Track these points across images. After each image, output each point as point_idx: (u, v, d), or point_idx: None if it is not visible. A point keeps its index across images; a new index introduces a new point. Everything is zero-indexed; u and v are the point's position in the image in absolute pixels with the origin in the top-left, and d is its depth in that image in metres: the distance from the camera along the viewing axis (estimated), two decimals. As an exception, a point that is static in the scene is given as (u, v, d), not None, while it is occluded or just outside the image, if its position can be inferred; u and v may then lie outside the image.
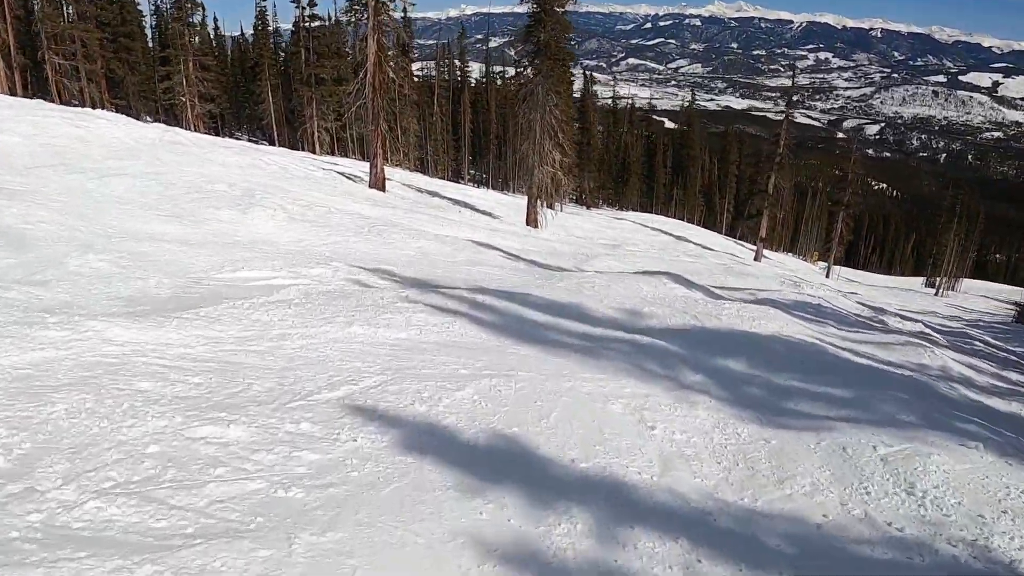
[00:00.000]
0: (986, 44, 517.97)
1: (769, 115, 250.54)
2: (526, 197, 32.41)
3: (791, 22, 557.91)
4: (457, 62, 62.86)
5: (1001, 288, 74.77)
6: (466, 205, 31.63)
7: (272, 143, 49.87)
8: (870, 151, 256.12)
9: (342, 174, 30.28)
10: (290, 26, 53.86)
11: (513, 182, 61.71)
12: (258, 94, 54.12)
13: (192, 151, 23.40)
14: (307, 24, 51.06)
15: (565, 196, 35.40)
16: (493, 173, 62.33)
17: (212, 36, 62.51)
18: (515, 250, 18.64)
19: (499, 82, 65.34)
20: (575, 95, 54.75)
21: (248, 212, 15.29)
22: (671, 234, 46.49)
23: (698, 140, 79.76)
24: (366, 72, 26.57)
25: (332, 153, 50.79)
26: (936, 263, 68.05)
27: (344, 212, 18.14)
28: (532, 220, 29.64)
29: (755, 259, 43.49)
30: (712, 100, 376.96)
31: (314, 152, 46.96)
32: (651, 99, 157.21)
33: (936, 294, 58.83)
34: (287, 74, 55.02)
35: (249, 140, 50.71)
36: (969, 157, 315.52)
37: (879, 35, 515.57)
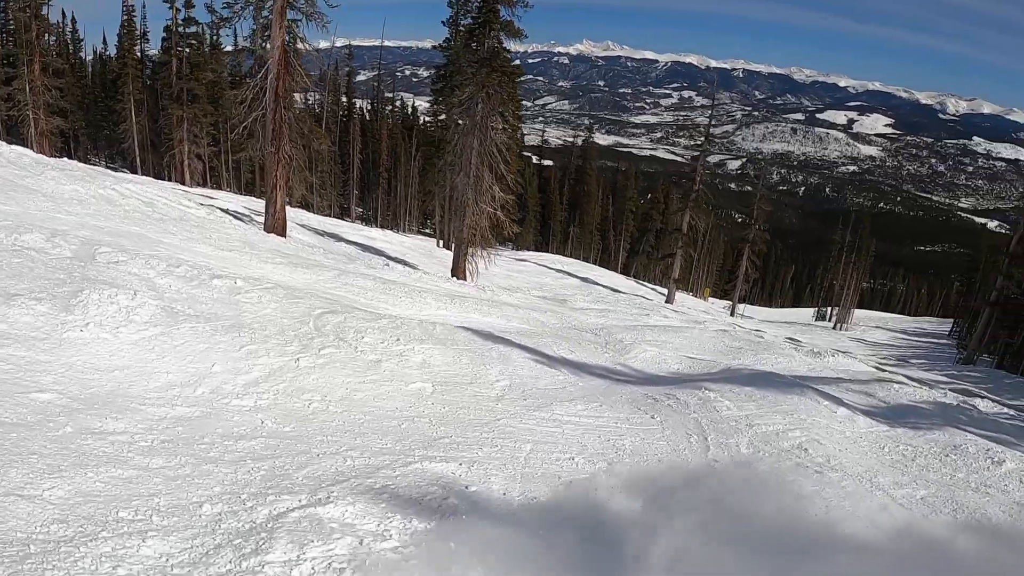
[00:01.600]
0: (842, 84, 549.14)
1: (634, 151, 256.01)
2: (454, 241, 25.95)
3: (656, 61, 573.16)
4: (344, 97, 55.81)
5: (883, 316, 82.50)
6: (378, 252, 25.83)
7: (134, 171, 41.39)
8: (732, 185, 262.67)
9: (227, 212, 23.66)
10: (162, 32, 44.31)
11: (404, 219, 55.72)
12: (120, 112, 44.96)
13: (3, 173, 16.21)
14: (180, 28, 42.44)
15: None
16: (382, 209, 55.71)
17: (70, 39, 52.81)
18: (509, 332, 12.50)
19: (390, 112, 59.68)
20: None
21: (76, 306, 7.98)
22: (576, 276, 42.33)
23: (595, 176, 75.54)
24: (266, 72, 19.57)
25: (204, 184, 43.20)
26: (828, 296, 71.15)
27: (257, 284, 10.70)
28: (460, 271, 23.66)
29: (667, 301, 41.90)
30: (577, 136, 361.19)
31: (183, 183, 39.73)
32: (522, 134, 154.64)
33: (835, 328, 59.18)
34: (155, 89, 46.21)
35: (108, 167, 42.32)
36: (827, 190, 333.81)
37: (741, 75, 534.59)
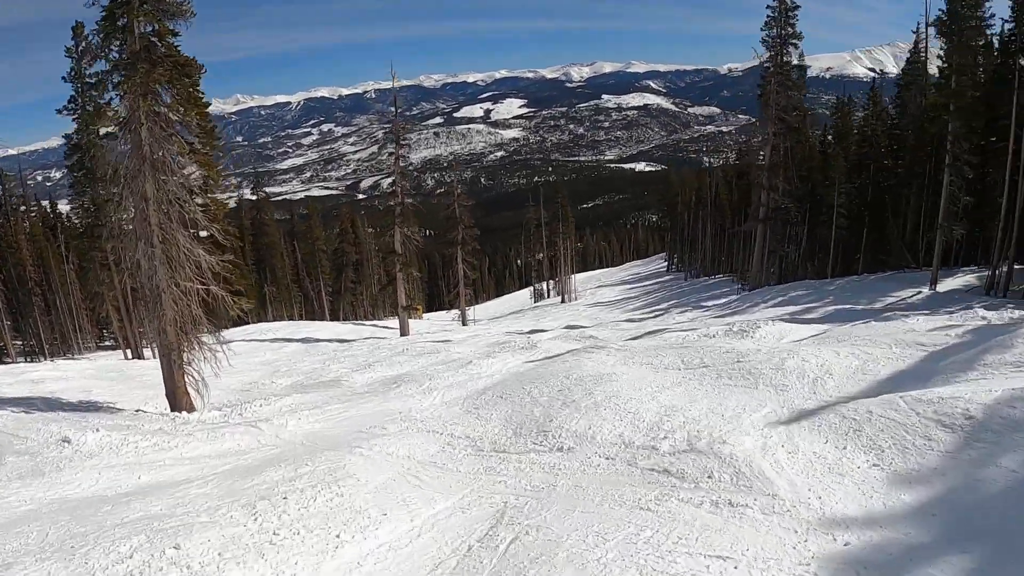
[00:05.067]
0: (471, 79, 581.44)
1: (289, 197, 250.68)
2: (156, 349, 16.59)
3: (289, 103, 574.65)
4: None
5: (591, 275, 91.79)
6: (53, 403, 16.69)
7: None
8: (392, 203, 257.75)
9: None
10: None
11: (77, 338, 45.75)
12: None
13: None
14: None
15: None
16: (46, 334, 45.52)
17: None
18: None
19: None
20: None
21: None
22: (294, 339, 36.55)
23: (275, 227, 68.84)
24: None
25: None
26: (538, 273, 76.67)
27: None
28: (181, 394, 15.60)
29: (402, 333, 38.25)
30: (230, 197, 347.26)
31: None
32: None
33: (563, 302, 62.28)
34: None
35: None
36: (482, 180, 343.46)
37: (373, 96, 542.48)
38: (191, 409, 15.60)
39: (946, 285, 29.45)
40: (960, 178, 28.96)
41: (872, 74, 51.03)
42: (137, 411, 15.66)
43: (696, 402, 10.63)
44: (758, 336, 16.39)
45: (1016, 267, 27.53)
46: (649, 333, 23.33)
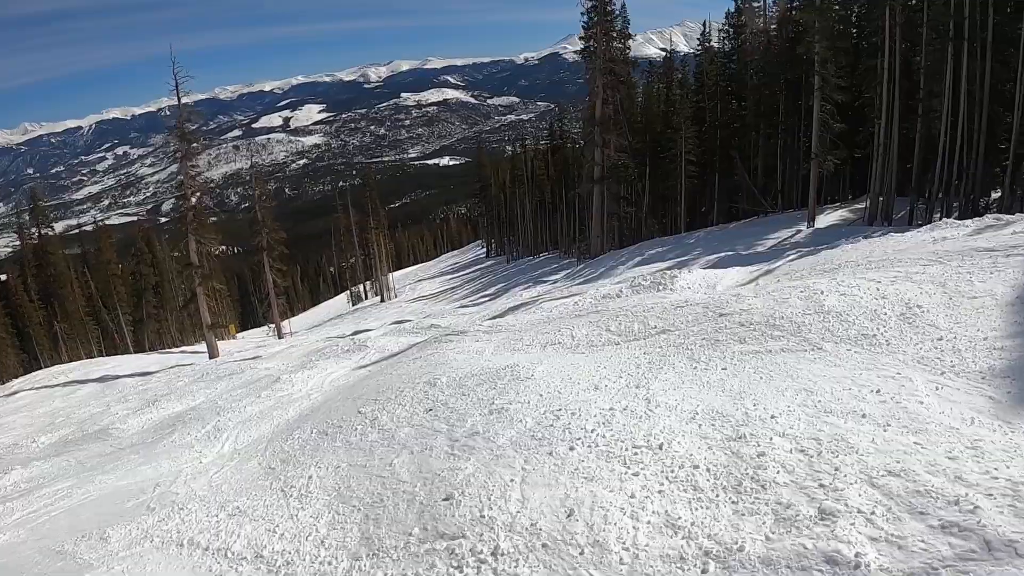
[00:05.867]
0: (268, 88, 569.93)
1: (87, 228, 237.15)
2: None
3: (80, 128, 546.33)
4: None
5: (409, 271, 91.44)
6: None
7: None
8: (183, 206, 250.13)
9: None
10: None
11: None
12: None
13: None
14: None
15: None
16: None
17: None
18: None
19: None
20: None
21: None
22: (89, 380, 29.25)
23: (66, 260, 61.18)
24: None
25: None
26: (352, 276, 73.41)
27: None
28: None
29: (211, 356, 31.33)
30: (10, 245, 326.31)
31: None
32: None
33: (383, 301, 60.26)
34: None
35: None
36: (287, 190, 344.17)
37: (168, 112, 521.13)
38: None
39: (823, 222, 28.10)
40: (831, 103, 27.38)
41: (664, 53, 52.77)
42: None
43: (779, 401, 6.46)
44: (679, 287, 13.41)
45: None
46: (515, 308, 19.52)
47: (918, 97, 25.59)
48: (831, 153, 27.75)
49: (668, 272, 14.80)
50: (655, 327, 9.69)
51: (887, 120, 25.69)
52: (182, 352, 42.16)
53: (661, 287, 13.45)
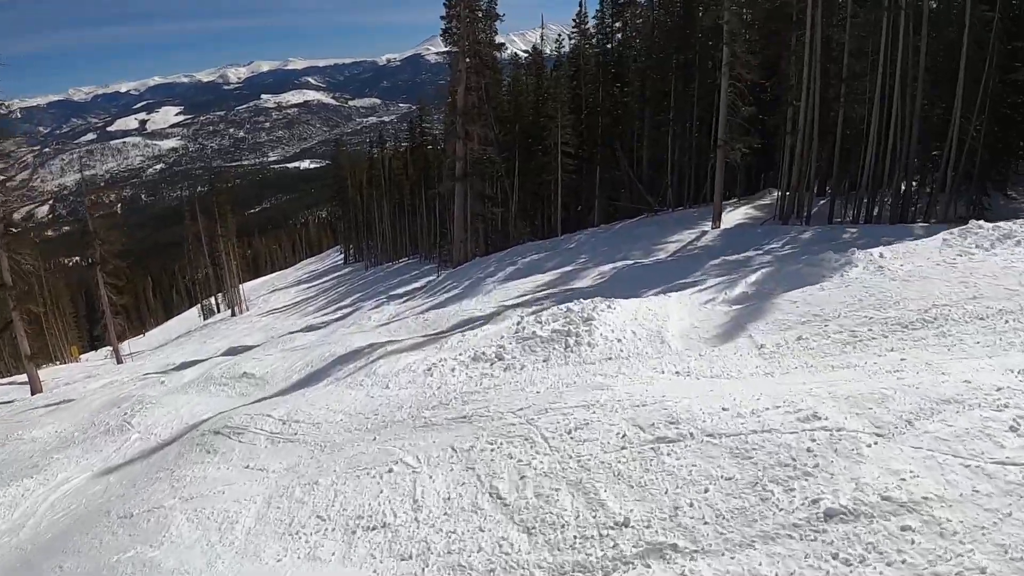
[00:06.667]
0: (124, 89, 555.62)
1: None
2: None
3: None
4: None
5: (263, 281, 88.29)
6: None
7: None
8: (50, 232, 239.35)
9: None
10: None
11: None
12: None
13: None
14: None
15: None
16: None
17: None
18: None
19: None
20: None
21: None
22: None
23: None
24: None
25: None
26: (204, 288, 69.66)
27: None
28: None
29: (33, 392, 25.58)
30: None
31: None
32: None
33: (233, 315, 57.70)
34: None
35: None
36: (143, 196, 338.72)
37: (19, 115, 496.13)
38: None
39: (728, 220, 24.97)
40: (740, 83, 24.11)
41: (525, 54, 51.43)
42: None
43: None
44: (601, 338, 8.23)
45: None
46: (340, 364, 11.94)
47: (841, 76, 23.07)
48: (741, 140, 24.52)
49: (576, 312, 9.46)
50: (622, 520, 4.82)
51: (807, 102, 22.91)
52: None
53: (572, 342, 7.81)
